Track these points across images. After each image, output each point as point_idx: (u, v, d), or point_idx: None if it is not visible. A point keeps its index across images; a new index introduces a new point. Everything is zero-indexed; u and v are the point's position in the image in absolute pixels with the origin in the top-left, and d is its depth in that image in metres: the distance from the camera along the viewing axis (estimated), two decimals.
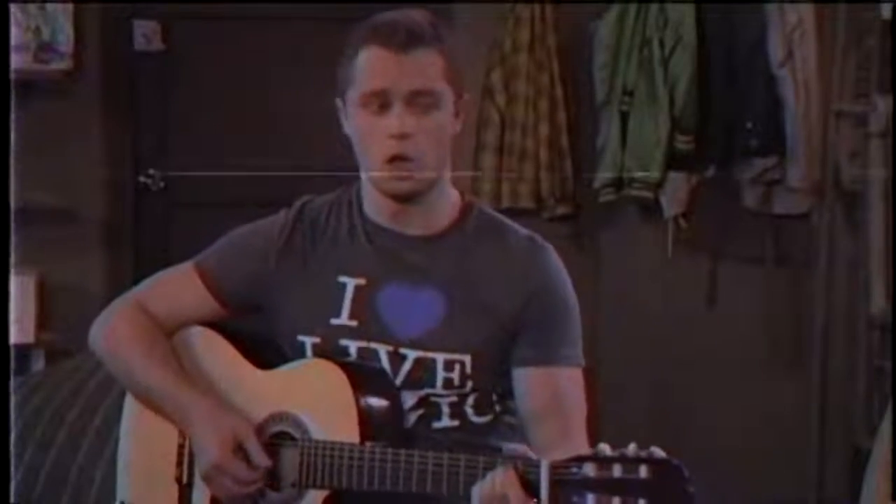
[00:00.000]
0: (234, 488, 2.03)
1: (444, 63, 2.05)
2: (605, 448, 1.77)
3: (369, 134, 2.04)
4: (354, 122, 2.07)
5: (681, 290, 4.63)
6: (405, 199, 2.08)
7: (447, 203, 2.13)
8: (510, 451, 1.89)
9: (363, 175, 2.12)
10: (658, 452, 1.75)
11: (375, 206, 2.12)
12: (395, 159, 2.03)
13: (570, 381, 2.10)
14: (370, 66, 2.03)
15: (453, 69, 2.06)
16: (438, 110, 2.04)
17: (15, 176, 2.82)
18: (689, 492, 1.74)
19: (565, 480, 1.78)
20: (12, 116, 2.29)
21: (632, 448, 1.76)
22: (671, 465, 1.74)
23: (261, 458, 2.03)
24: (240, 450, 2.04)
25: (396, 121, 2.01)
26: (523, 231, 2.15)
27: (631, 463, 1.75)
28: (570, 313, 2.12)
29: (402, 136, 2.02)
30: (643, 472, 1.74)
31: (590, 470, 1.76)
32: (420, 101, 2.02)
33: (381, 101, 2.03)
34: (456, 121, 2.09)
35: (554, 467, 1.80)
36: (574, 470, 1.77)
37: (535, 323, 2.08)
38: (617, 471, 1.75)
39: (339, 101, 2.10)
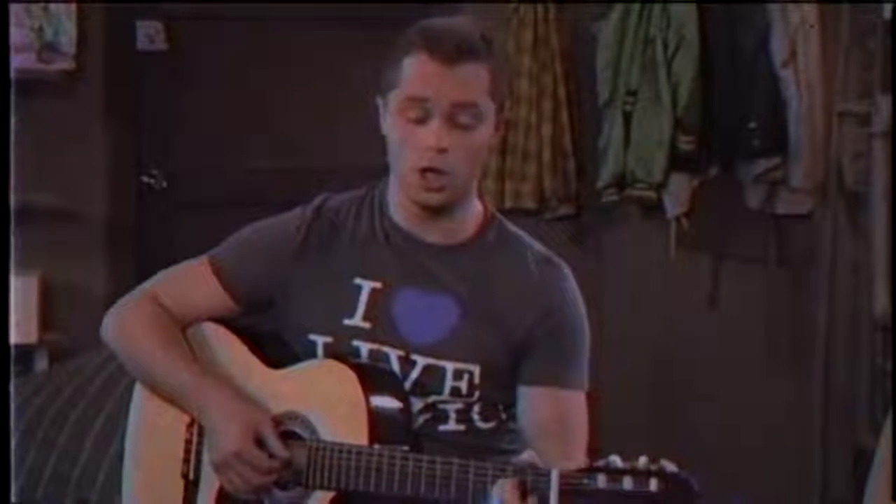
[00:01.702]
0: (253, 478, 2.03)
1: (490, 78, 2.04)
2: (615, 460, 1.78)
3: (405, 141, 2.04)
4: (392, 126, 2.06)
5: (683, 290, 4.62)
6: (433, 210, 2.07)
7: (471, 214, 2.13)
8: (519, 461, 1.89)
9: (392, 178, 2.11)
10: (669, 466, 1.76)
11: (401, 211, 2.12)
12: (427, 171, 2.03)
13: (573, 403, 2.11)
14: (414, 73, 2.02)
15: (499, 85, 2.06)
16: (478, 126, 2.04)
17: (18, 176, 2.82)
18: None
19: (575, 491, 1.78)
20: (12, 117, 2.29)
21: (642, 461, 1.76)
22: (681, 480, 1.75)
23: (280, 450, 2.03)
24: (258, 440, 2.04)
25: (434, 134, 2.01)
26: (541, 249, 2.15)
27: (641, 476, 1.75)
28: (580, 336, 2.13)
29: (439, 151, 2.01)
30: (653, 485, 1.74)
31: (600, 481, 1.76)
32: (460, 116, 2.02)
33: (421, 111, 2.02)
34: (495, 133, 2.09)
35: (564, 477, 1.80)
36: (584, 481, 1.78)
37: (545, 342, 2.09)
38: (627, 483, 1.75)
39: (379, 101, 2.09)
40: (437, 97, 2.00)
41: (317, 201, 2.18)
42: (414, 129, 2.02)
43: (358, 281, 2.11)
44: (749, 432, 4.55)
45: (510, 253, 2.13)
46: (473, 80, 2.02)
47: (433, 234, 2.10)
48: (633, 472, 1.75)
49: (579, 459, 1.98)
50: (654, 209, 4.48)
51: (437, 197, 2.05)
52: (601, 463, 1.78)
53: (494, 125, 2.08)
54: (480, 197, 2.16)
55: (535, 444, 2.05)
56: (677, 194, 4.43)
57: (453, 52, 2.00)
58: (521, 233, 2.17)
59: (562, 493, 1.79)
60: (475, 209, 2.14)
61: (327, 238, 2.14)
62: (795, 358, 4.63)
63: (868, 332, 4.39)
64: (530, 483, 1.83)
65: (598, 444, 2.06)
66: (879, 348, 4.35)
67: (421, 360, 2.07)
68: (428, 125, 2.01)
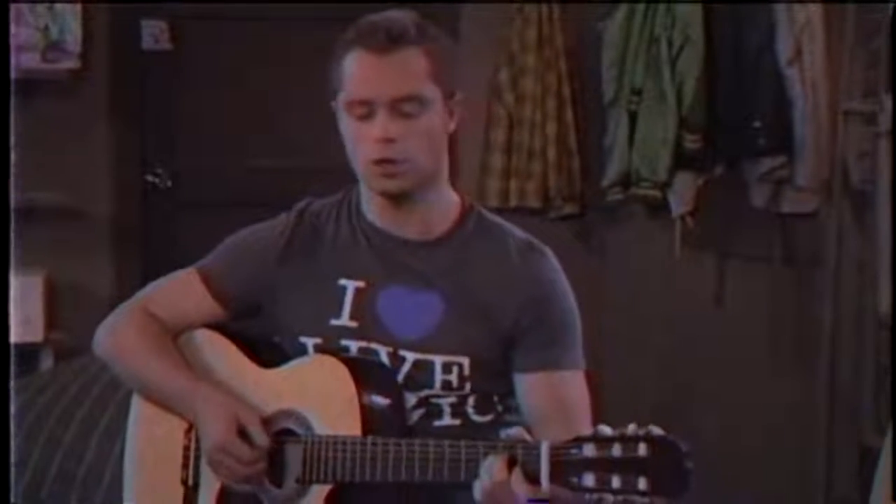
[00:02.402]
0: (239, 469, 2.05)
1: (430, 63, 2.04)
2: (604, 429, 1.79)
3: (356, 138, 2.06)
4: (344, 125, 2.09)
5: (688, 289, 4.62)
6: (397, 197, 2.09)
7: (446, 206, 2.14)
8: (508, 436, 1.90)
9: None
10: (656, 430, 1.76)
11: (373, 209, 2.14)
12: (380, 162, 2.04)
13: (571, 383, 2.11)
14: (353, 71, 2.04)
15: (441, 68, 2.06)
16: (425, 113, 2.04)
17: (23, 175, 2.82)
18: (687, 467, 1.75)
19: (565, 461, 1.79)
20: (11, 117, 2.29)
21: (631, 428, 1.77)
22: (669, 442, 1.75)
23: (260, 438, 2.05)
24: (243, 432, 2.06)
25: (379, 127, 2.02)
26: (521, 235, 2.16)
27: (630, 441, 1.76)
28: (569, 317, 2.13)
29: (387, 141, 2.03)
30: (642, 450, 1.75)
31: (589, 450, 1.77)
32: (404, 106, 2.03)
33: (365, 109, 2.04)
34: (450, 120, 2.09)
35: (553, 449, 1.81)
36: (573, 450, 1.79)
37: (534, 327, 2.09)
38: (616, 450, 1.76)
39: (333, 104, 2.11)
40: (378, 93, 2.02)
41: (299, 206, 2.21)
42: (361, 125, 2.05)
43: (342, 282, 2.12)
44: (754, 431, 4.55)
45: (490, 242, 2.13)
46: (411, 67, 2.03)
47: (410, 230, 2.12)
48: (622, 438, 1.76)
49: None
50: (658, 208, 4.48)
51: (395, 183, 2.06)
52: (590, 433, 1.79)
53: (447, 112, 2.08)
54: (457, 189, 2.17)
55: (538, 429, 2.04)
56: (682, 193, 4.43)
57: (384, 40, 2.02)
58: (501, 221, 2.18)
59: (552, 465, 1.80)
60: (450, 202, 2.15)
61: (310, 241, 2.16)
62: (800, 357, 4.62)
63: (873, 331, 4.39)
64: (521, 457, 1.84)
65: None
66: (885, 347, 4.34)
67: (410, 356, 2.08)
68: (374, 120, 2.03)
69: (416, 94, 2.03)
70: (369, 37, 2.03)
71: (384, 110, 2.02)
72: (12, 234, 2.32)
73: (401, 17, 2.07)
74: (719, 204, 4.51)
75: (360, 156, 2.06)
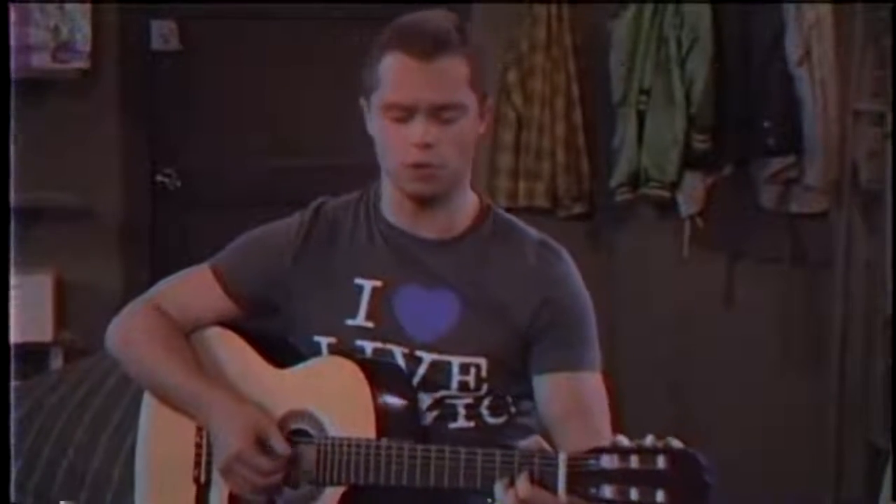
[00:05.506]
0: (255, 480, 2.04)
1: (469, 69, 2.04)
2: (622, 440, 1.78)
3: (392, 140, 2.05)
4: (377, 125, 2.07)
5: (697, 290, 4.62)
6: (426, 201, 2.08)
7: (465, 206, 2.14)
8: (526, 446, 1.90)
9: (384, 176, 2.12)
10: (675, 443, 1.76)
11: (394, 208, 2.13)
12: (416, 166, 2.04)
13: (590, 384, 2.10)
14: (394, 74, 2.03)
15: (478, 74, 2.06)
16: (462, 119, 2.04)
17: (33, 175, 2.83)
18: (706, 481, 1.74)
19: (583, 472, 1.79)
20: (12, 118, 2.30)
21: (649, 439, 1.77)
22: (688, 455, 1.75)
23: (283, 447, 2.04)
24: (260, 441, 2.04)
25: (419, 131, 2.01)
26: (537, 235, 2.16)
27: (648, 454, 1.76)
28: (585, 317, 2.13)
29: (425, 146, 2.02)
30: (661, 462, 1.75)
31: (607, 461, 1.77)
32: (443, 112, 2.02)
33: (403, 112, 2.02)
34: (480, 123, 2.09)
35: (571, 459, 1.81)
36: (592, 462, 1.78)
37: (551, 328, 2.09)
38: (634, 462, 1.76)
39: (363, 102, 2.10)
40: (418, 101, 2.01)
41: (314, 204, 2.20)
42: (399, 127, 2.03)
43: (359, 281, 2.12)
44: (763, 432, 4.55)
45: (507, 242, 2.13)
46: (452, 74, 2.03)
47: (429, 230, 2.11)
48: (640, 450, 1.76)
49: (605, 439, 1.99)
50: (667, 208, 4.48)
51: (429, 187, 2.06)
52: (608, 443, 1.79)
53: (479, 115, 2.08)
54: (474, 189, 2.17)
55: (557, 431, 2.05)
56: (691, 193, 4.43)
57: (429, 47, 2.01)
58: (516, 221, 2.18)
59: (570, 476, 1.80)
60: (469, 202, 2.15)
61: (326, 240, 2.15)
62: (810, 357, 4.62)
63: (883, 330, 4.38)
64: (538, 467, 1.84)
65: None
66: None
67: (426, 357, 2.08)
68: (412, 122, 2.02)
69: (456, 101, 2.03)
70: (413, 40, 2.02)
71: (423, 115, 2.01)
72: (21, 234, 2.32)
73: (445, 20, 2.06)
74: (728, 204, 4.51)
75: (394, 158, 2.05)
